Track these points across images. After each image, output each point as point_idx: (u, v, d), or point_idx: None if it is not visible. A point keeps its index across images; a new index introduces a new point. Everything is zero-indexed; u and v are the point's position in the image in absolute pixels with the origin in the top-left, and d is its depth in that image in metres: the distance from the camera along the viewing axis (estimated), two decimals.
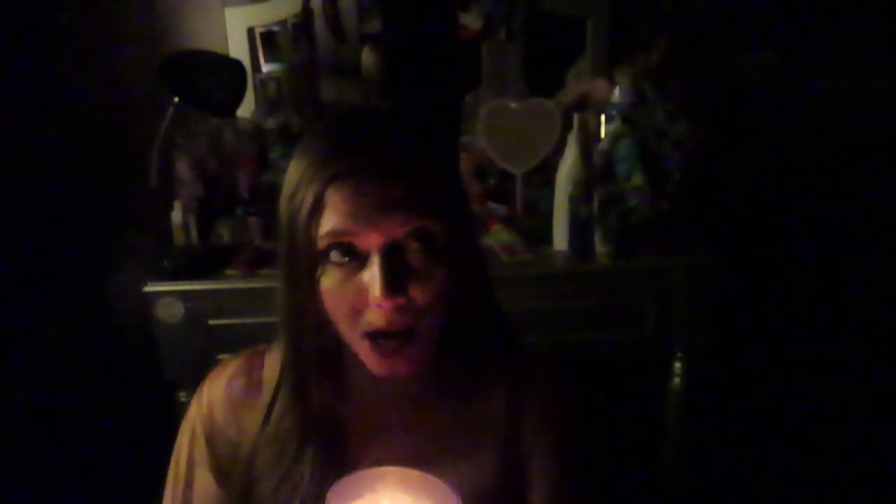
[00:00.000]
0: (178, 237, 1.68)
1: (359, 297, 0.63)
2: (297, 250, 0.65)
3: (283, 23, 1.93)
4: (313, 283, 0.65)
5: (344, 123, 0.71)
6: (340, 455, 0.72)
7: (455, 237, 0.66)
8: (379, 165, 0.63)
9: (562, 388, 0.78)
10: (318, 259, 0.64)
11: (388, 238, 0.62)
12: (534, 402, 0.75)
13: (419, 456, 0.71)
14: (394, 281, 0.62)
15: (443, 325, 0.69)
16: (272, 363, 0.77)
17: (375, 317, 0.63)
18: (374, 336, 0.64)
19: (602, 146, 1.65)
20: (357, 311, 0.64)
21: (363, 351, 0.66)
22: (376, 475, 0.58)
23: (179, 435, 0.79)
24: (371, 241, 0.63)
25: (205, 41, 1.87)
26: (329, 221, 0.63)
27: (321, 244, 0.63)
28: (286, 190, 0.67)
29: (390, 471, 0.59)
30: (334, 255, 0.63)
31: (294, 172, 0.66)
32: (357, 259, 0.64)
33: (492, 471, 0.72)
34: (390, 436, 0.73)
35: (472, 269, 0.71)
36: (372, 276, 0.62)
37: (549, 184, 1.63)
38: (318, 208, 0.63)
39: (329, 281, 0.64)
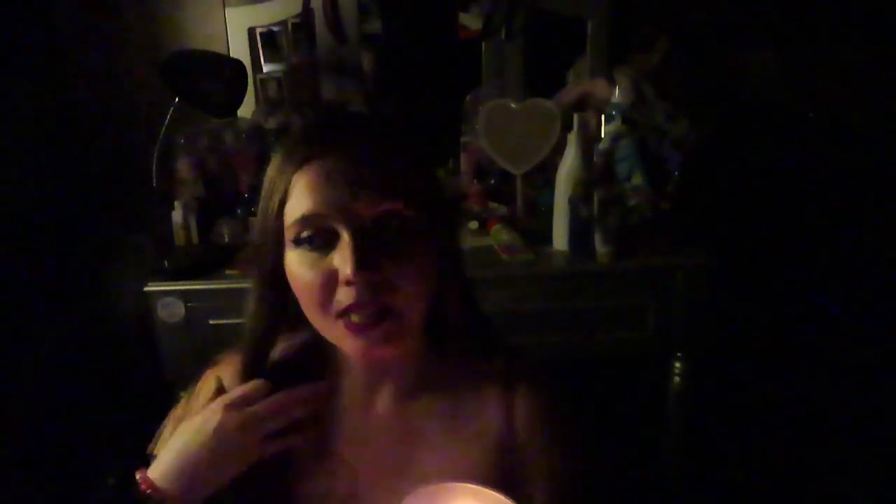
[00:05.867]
0: (179, 237, 1.68)
1: (330, 277, 0.64)
2: (267, 240, 0.67)
3: (283, 23, 1.93)
4: (283, 272, 0.66)
5: (315, 120, 0.73)
6: (326, 458, 0.73)
7: (431, 226, 0.67)
8: (347, 150, 0.65)
9: (552, 391, 0.77)
10: (287, 245, 0.65)
11: (357, 221, 0.63)
12: (524, 403, 0.75)
13: (409, 459, 0.71)
14: (365, 257, 0.62)
15: (423, 312, 0.69)
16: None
17: (346, 295, 0.63)
18: (347, 314, 0.64)
19: (602, 146, 1.65)
20: (328, 293, 0.64)
21: (338, 334, 0.66)
22: (448, 490, 0.58)
23: (163, 425, 0.79)
24: (339, 221, 0.63)
25: (205, 41, 1.87)
26: (298, 207, 0.64)
27: (291, 232, 0.64)
28: (264, 186, 0.68)
29: (462, 487, 0.58)
30: (304, 236, 0.64)
31: (270, 169, 0.68)
32: (327, 239, 0.64)
33: (484, 472, 0.72)
34: (379, 439, 0.73)
35: (450, 263, 0.71)
36: (343, 255, 0.62)
37: (549, 184, 1.63)
38: (288, 195, 0.65)
39: (298, 265, 0.65)
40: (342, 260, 0.62)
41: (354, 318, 0.64)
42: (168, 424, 0.78)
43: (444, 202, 0.73)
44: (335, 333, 0.66)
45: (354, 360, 0.71)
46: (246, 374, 0.73)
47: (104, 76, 1.88)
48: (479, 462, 0.72)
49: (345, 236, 0.63)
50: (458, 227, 0.77)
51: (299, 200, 0.64)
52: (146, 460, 0.70)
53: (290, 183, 0.65)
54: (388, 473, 0.71)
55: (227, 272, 1.55)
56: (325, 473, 0.72)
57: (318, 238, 0.64)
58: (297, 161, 0.65)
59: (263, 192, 0.68)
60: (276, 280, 0.68)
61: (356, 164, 0.64)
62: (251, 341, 0.73)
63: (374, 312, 0.64)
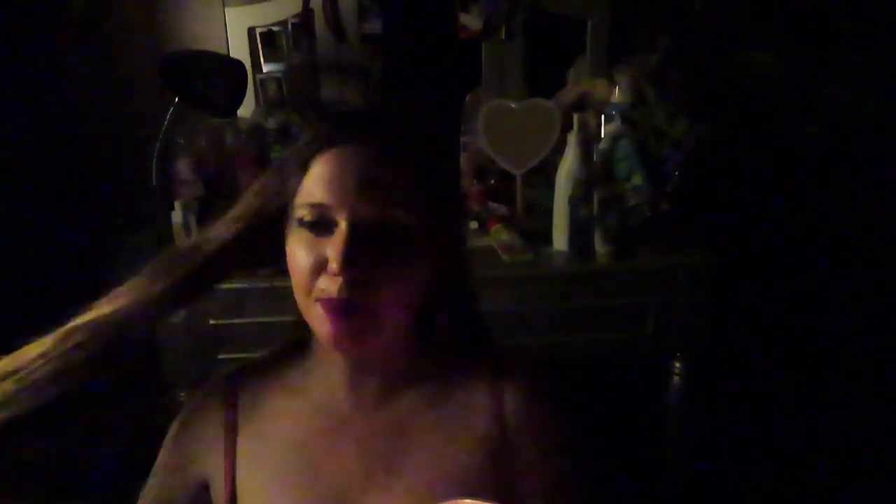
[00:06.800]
0: (179, 237, 1.68)
1: (319, 262, 0.65)
2: (268, 206, 0.69)
3: (283, 23, 1.93)
4: (277, 247, 0.68)
5: (353, 110, 0.73)
6: (314, 455, 0.73)
7: (435, 235, 0.67)
8: (367, 144, 0.66)
9: (542, 385, 0.77)
10: (290, 222, 0.67)
11: (358, 218, 0.64)
12: (516, 401, 0.74)
13: (397, 454, 0.71)
14: (355, 254, 0.63)
15: (408, 315, 0.69)
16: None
17: (329, 284, 0.64)
18: (326, 302, 0.65)
19: (602, 146, 1.65)
20: (313, 277, 0.65)
21: (315, 317, 0.66)
22: None
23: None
24: (341, 215, 0.64)
25: (205, 41, 1.87)
26: (309, 193, 0.66)
27: (297, 212, 0.66)
28: (286, 156, 0.71)
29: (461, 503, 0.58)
30: (307, 220, 0.65)
31: (292, 147, 0.71)
32: (324, 227, 0.65)
33: (473, 469, 0.72)
34: (367, 435, 0.73)
35: (454, 267, 0.72)
36: (334, 246, 0.63)
37: (549, 184, 1.63)
38: (303, 176, 0.67)
39: (295, 243, 0.66)
40: (333, 251, 0.63)
41: (331, 306, 0.65)
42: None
43: (454, 212, 0.73)
44: (312, 315, 0.67)
45: (335, 354, 0.71)
46: None
47: (104, 76, 1.87)
48: (468, 459, 0.72)
49: (342, 228, 0.64)
50: (464, 231, 0.78)
51: (311, 186, 0.66)
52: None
53: (307, 165, 0.66)
54: (376, 469, 0.71)
55: None
56: (313, 469, 0.72)
57: (320, 223, 0.65)
58: (319, 145, 0.67)
59: (276, 164, 0.70)
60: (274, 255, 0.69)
61: (374, 162, 0.65)
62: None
63: (352, 305, 0.65)
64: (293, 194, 0.67)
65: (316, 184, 0.65)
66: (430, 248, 0.67)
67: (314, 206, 0.65)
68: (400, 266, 0.65)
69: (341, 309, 0.64)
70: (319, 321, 0.66)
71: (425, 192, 0.67)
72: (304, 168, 0.67)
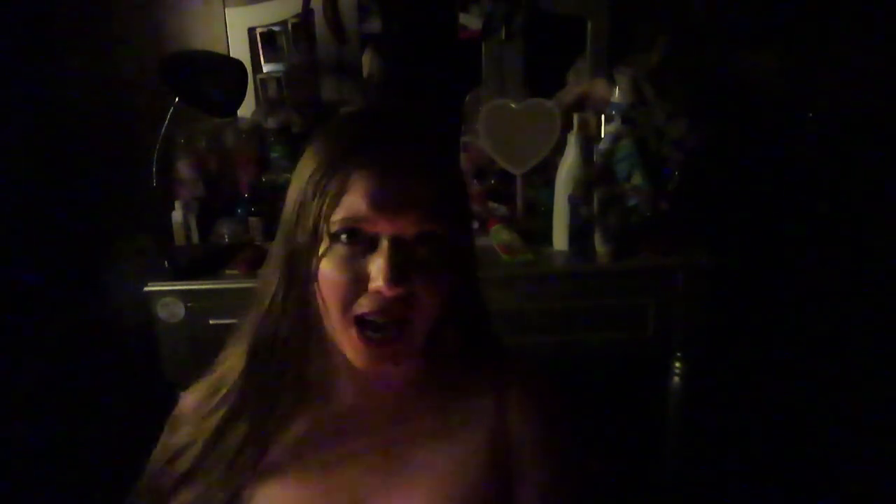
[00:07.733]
0: (179, 237, 1.68)
1: (359, 282, 0.64)
2: (304, 231, 0.66)
3: (283, 23, 1.94)
4: (311, 266, 0.65)
5: (376, 115, 0.73)
6: (321, 456, 0.73)
7: (456, 240, 0.68)
8: (404, 160, 0.65)
9: (544, 386, 0.78)
10: (323, 241, 0.65)
11: (399, 234, 0.64)
12: (518, 402, 0.75)
13: (403, 457, 0.72)
14: (399, 271, 0.62)
15: (433, 324, 0.70)
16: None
17: (370, 302, 0.64)
18: (364, 325, 0.64)
19: (602, 146, 1.65)
20: (353, 296, 0.64)
21: (349, 339, 0.66)
22: None
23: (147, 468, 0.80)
24: (382, 230, 0.63)
25: (205, 41, 1.87)
26: (347, 206, 0.64)
27: (333, 227, 0.64)
28: (306, 172, 0.66)
29: None
30: (345, 236, 0.64)
31: (318, 155, 0.67)
32: (364, 243, 0.64)
33: (477, 471, 0.72)
34: (373, 437, 0.73)
35: (467, 272, 0.72)
36: (378, 264, 0.63)
37: (549, 184, 1.63)
38: (341, 192, 0.64)
39: (331, 262, 0.65)
40: (377, 269, 0.63)
41: (370, 333, 0.65)
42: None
43: (470, 214, 0.74)
44: (346, 338, 0.66)
45: (355, 367, 0.71)
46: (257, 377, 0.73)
47: (104, 76, 1.88)
48: (473, 461, 0.72)
49: (384, 245, 0.63)
50: (473, 235, 0.78)
51: (351, 200, 0.64)
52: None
53: (345, 179, 0.64)
54: (387, 476, 0.71)
55: (227, 272, 1.55)
56: (322, 476, 0.72)
57: (358, 239, 0.64)
58: (358, 160, 0.64)
59: (308, 181, 0.66)
60: (307, 276, 0.67)
61: (411, 176, 0.65)
62: (281, 350, 0.71)
63: (390, 327, 0.65)
64: (327, 211, 0.64)
65: (355, 200, 0.63)
66: (454, 256, 0.68)
67: (352, 222, 0.64)
68: (436, 278, 0.65)
69: (382, 336, 0.64)
70: (353, 346, 0.65)
71: (449, 199, 0.67)
72: (341, 185, 0.64)
